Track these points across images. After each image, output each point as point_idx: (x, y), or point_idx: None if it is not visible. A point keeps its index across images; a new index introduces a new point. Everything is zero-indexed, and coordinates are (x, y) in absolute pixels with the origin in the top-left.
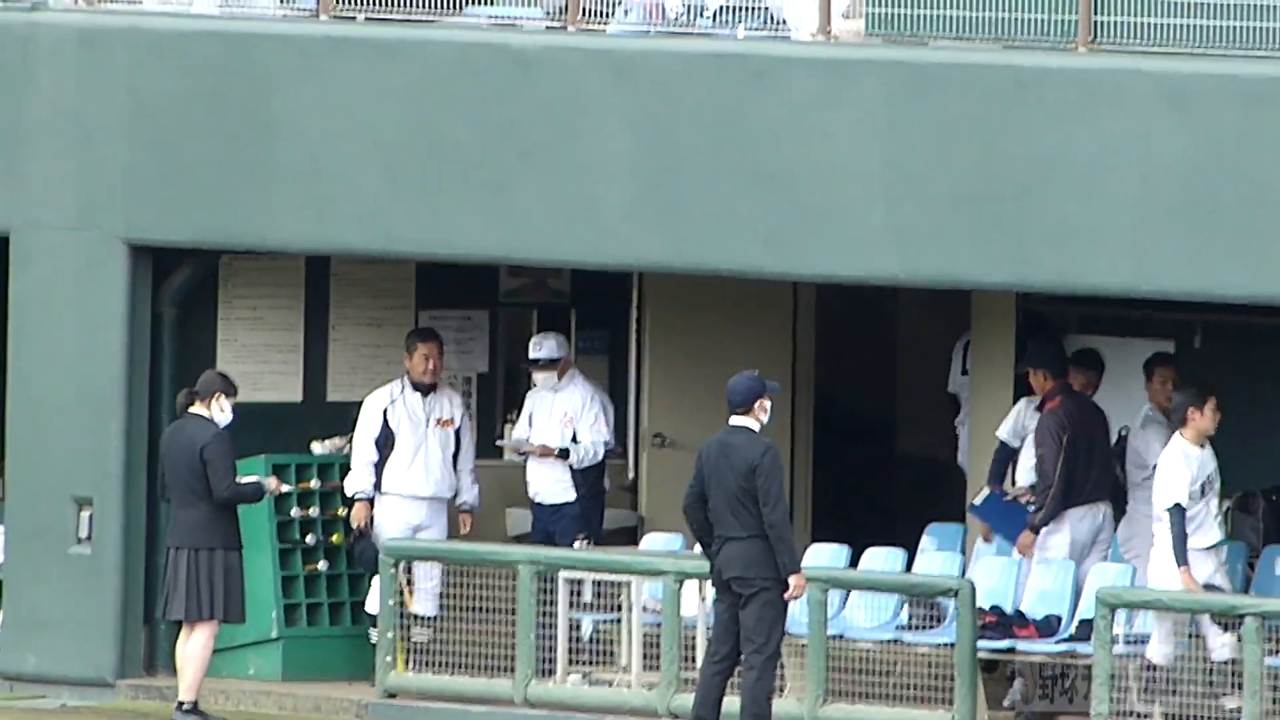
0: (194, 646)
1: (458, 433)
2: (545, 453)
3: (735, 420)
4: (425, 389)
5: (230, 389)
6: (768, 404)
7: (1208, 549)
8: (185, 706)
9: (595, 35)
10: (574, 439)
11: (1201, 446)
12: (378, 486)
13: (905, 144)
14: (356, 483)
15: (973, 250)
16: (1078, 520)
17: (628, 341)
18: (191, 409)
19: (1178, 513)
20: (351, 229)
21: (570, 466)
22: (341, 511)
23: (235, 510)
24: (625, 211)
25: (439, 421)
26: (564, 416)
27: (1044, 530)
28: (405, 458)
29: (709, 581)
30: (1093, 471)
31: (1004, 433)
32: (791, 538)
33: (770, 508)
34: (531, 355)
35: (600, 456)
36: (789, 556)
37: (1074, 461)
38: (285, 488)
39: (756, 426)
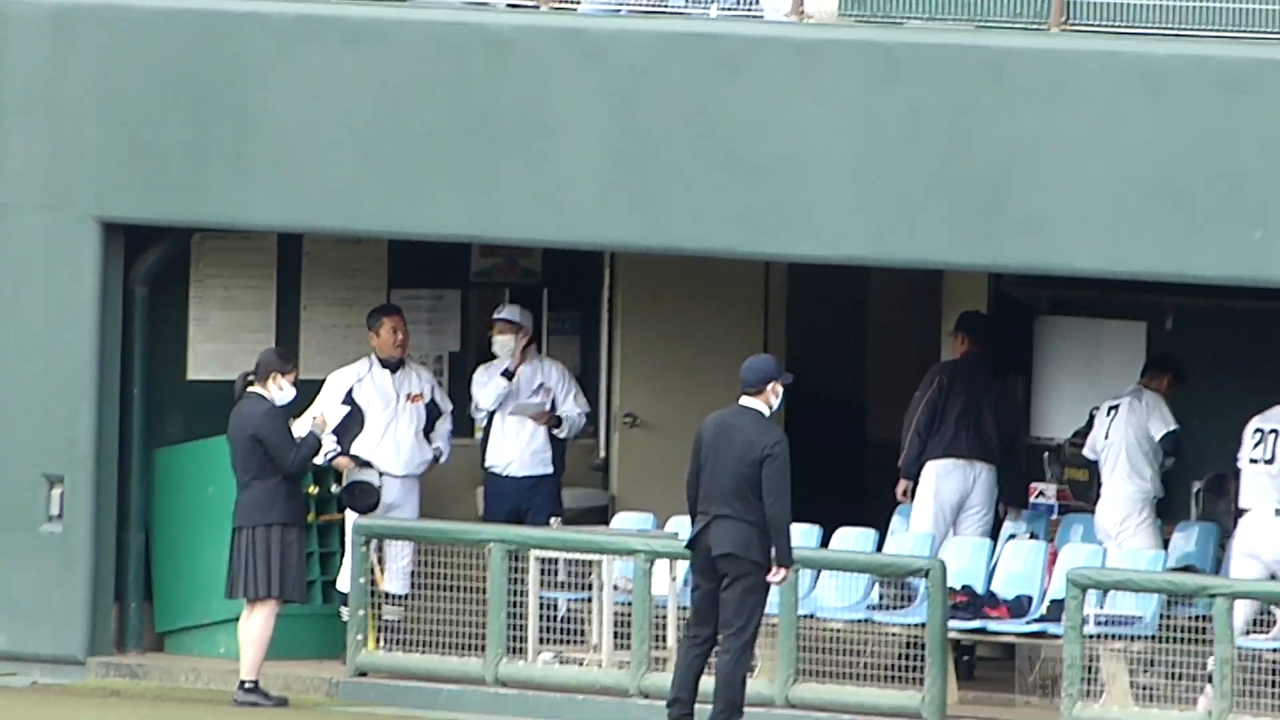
0: (253, 626)
1: (428, 406)
2: (545, 417)
3: (745, 401)
4: (394, 365)
5: (286, 367)
6: (779, 388)
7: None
8: (246, 685)
9: (567, 15)
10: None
11: None
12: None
13: (878, 125)
14: (324, 448)
15: (945, 231)
16: (944, 475)
17: (599, 322)
18: (251, 389)
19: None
20: (324, 208)
21: (554, 437)
22: (313, 490)
23: (296, 486)
24: (598, 191)
25: (409, 397)
26: (539, 389)
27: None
28: (375, 435)
29: (680, 561)
30: (961, 426)
31: None
32: (789, 530)
33: (774, 499)
34: (494, 315)
35: (582, 426)
36: (785, 548)
37: (944, 407)
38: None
39: (766, 410)
